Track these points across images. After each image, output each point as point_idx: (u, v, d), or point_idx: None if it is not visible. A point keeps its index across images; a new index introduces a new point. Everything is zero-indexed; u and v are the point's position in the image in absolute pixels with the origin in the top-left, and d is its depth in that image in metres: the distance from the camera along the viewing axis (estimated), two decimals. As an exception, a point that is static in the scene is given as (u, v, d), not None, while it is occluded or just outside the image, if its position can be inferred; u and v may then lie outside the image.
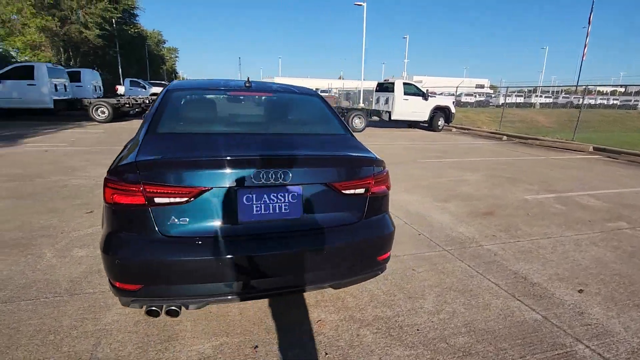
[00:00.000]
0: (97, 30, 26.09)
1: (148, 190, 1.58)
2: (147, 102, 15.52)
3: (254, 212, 1.72)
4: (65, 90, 13.80)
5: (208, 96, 2.55)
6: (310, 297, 2.35)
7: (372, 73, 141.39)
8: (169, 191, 1.61)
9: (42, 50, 24.80)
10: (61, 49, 25.80)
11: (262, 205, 1.73)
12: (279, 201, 1.76)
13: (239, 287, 1.72)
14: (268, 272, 1.74)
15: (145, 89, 25.19)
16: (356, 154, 2.03)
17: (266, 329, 2.03)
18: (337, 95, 22.53)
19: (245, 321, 2.09)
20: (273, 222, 1.76)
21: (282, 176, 1.73)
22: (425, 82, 25.84)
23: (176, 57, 74.99)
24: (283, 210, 1.76)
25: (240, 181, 1.67)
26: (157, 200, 1.60)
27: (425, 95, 13.67)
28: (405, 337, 2.02)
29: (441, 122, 14.04)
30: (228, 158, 1.70)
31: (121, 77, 31.09)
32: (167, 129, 2.06)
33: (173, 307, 1.71)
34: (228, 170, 1.67)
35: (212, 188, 1.65)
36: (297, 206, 1.78)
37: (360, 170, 1.93)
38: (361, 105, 17.70)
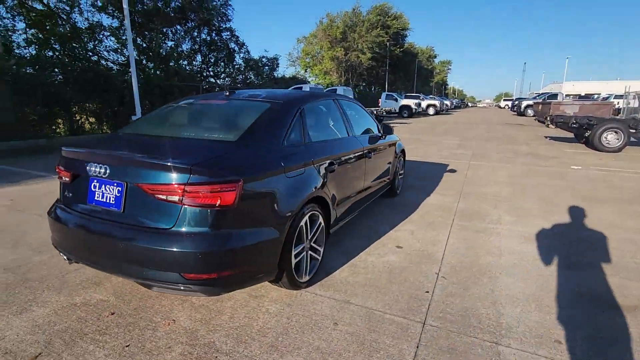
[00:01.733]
0: (369, 54, 31.18)
1: (59, 172, 2.30)
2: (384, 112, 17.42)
3: (95, 197, 2.09)
4: (321, 104, 17.78)
5: (182, 104, 3.02)
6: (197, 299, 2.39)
7: None
8: (61, 174, 2.26)
9: (330, 74, 32.49)
10: (343, 72, 32.71)
11: (101, 193, 2.07)
12: (109, 193, 2.03)
13: (77, 253, 2.15)
14: (91, 249, 2.06)
15: (397, 101, 27.96)
16: (173, 161, 1.89)
17: (136, 309, 2.32)
18: (621, 102, 15.94)
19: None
20: (104, 210, 2.05)
21: (110, 172, 1.99)
22: None
23: (448, 69, 76.74)
24: (110, 201, 2.02)
25: (91, 171, 2.08)
26: (61, 179, 2.29)
27: None
28: None
29: None
30: (93, 152, 2.15)
31: (386, 91, 35.84)
32: (130, 129, 2.72)
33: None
34: (89, 162, 2.11)
35: (79, 175, 2.16)
36: (119, 200, 1.99)
37: (169, 177, 1.85)
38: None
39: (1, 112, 9.60)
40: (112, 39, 13.77)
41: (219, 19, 18.41)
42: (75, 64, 12.00)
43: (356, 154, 3.33)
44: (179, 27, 16.69)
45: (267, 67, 22.36)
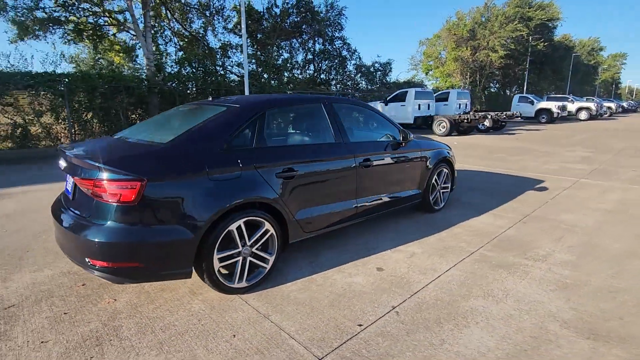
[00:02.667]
0: (502, 51, 27.54)
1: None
2: (501, 117, 15.28)
3: (66, 186, 2.53)
4: (428, 109, 16.64)
5: (175, 109, 3.29)
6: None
7: None
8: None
9: (453, 76, 30.05)
10: (468, 73, 29.81)
11: (67, 182, 2.50)
12: (69, 183, 2.44)
13: (55, 233, 2.63)
14: (57, 229, 2.48)
15: (532, 104, 23.95)
16: (90, 160, 2.17)
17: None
18: None
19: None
20: (67, 196, 2.47)
21: (66, 166, 2.38)
22: None
23: (622, 64, 61.29)
24: (69, 189, 2.43)
25: (61, 165, 2.50)
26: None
27: None
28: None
29: None
30: (62, 150, 2.55)
31: (524, 92, 31.07)
32: (119, 133, 3.11)
33: None
34: (61, 158, 2.53)
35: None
36: (71, 189, 2.37)
37: (87, 173, 2.11)
38: None
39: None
40: (239, 54, 16.04)
41: (333, 28, 19.29)
42: (209, 78, 14.42)
43: (342, 161, 3.07)
44: (294, 40, 18.22)
45: (379, 73, 22.25)
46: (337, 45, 19.72)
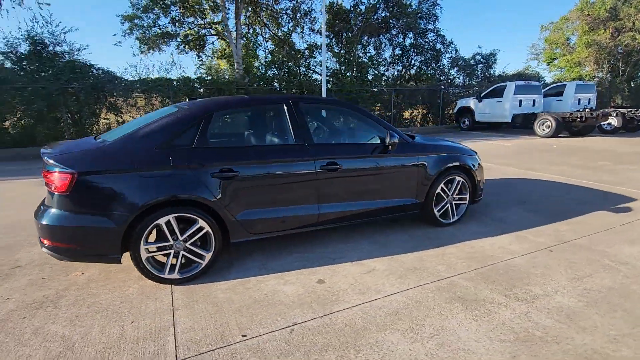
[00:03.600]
0: (658, 31, 21.65)
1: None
2: (637, 115, 12.16)
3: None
4: (533, 105, 14.22)
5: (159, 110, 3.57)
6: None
7: None
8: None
9: (583, 64, 24.93)
10: (605, 61, 24.36)
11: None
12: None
13: None
14: None
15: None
16: (43, 152, 2.56)
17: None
18: None
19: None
20: None
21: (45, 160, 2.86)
22: None
23: None
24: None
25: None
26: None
27: None
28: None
29: None
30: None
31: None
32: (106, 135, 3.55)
33: None
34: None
35: None
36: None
37: (45, 167, 2.51)
38: None
39: None
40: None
41: (426, 20, 18.08)
42: (294, 78, 15.20)
43: (298, 164, 2.93)
44: (382, 36, 17.71)
45: (481, 65, 19.96)
46: (430, 38, 18.40)
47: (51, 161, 2.43)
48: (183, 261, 2.68)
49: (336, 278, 2.73)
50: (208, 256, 2.72)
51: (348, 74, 16.17)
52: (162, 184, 2.53)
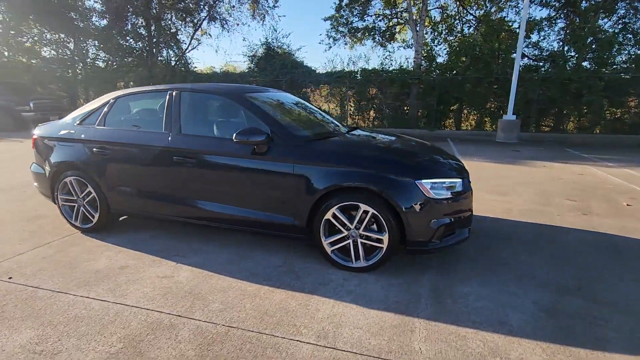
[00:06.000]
0: None
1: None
2: None
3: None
4: None
5: None
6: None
7: None
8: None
9: None
10: None
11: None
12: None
13: None
14: None
15: None
16: None
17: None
18: None
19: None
20: None
21: None
22: None
23: None
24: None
25: None
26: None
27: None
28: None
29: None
30: None
31: None
32: None
33: None
34: None
35: None
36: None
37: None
38: None
39: (411, 108, 13.14)
40: (542, 33, 12.60)
41: None
42: (489, 66, 12.74)
43: (156, 151, 3.05)
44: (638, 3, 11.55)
45: None
46: None
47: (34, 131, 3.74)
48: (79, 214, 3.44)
49: (22, 271, 2.73)
50: (97, 215, 3.36)
51: (573, 53, 11.82)
52: (64, 152, 3.37)
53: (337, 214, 2.60)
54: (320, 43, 15.96)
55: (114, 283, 2.50)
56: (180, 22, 17.20)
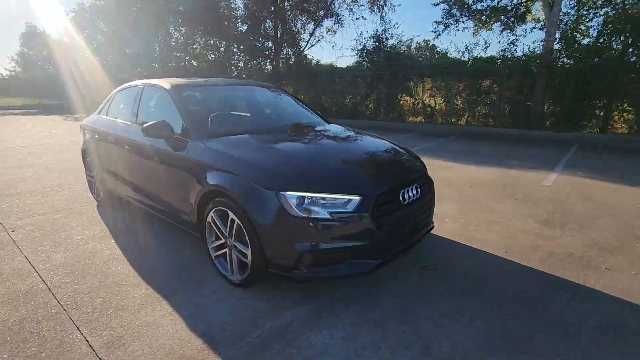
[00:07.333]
0: None
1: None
2: None
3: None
4: None
5: None
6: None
7: None
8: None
9: None
10: None
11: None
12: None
13: None
14: None
15: None
16: None
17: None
18: None
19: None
20: None
21: None
22: None
23: None
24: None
25: None
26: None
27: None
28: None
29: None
30: None
31: None
32: None
33: None
34: None
35: None
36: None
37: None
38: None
39: (534, 104, 10.68)
40: None
41: None
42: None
43: (117, 137, 3.47)
44: None
45: None
46: None
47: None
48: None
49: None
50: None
51: None
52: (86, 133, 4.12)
53: (215, 217, 2.41)
54: (432, 32, 14.27)
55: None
56: (303, 21, 18.37)
